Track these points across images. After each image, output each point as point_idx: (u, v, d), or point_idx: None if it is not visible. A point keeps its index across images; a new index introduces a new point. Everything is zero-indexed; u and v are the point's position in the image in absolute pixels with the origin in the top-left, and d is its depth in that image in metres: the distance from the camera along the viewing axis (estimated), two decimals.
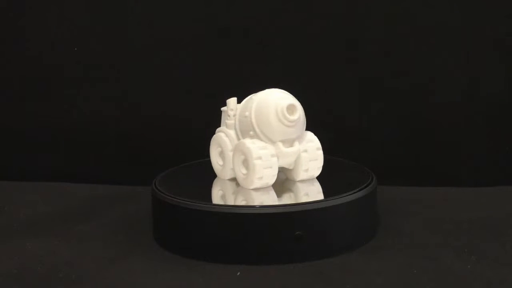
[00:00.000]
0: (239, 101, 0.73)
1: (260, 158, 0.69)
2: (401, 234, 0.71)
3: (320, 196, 0.69)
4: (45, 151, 0.94)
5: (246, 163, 0.70)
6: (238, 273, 0.63)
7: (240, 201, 0.69)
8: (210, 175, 0.75)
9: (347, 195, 0.67)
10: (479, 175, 0.87)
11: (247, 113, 0.70)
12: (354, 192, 0.68)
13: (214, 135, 0.74)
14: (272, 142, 0.69)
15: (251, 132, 0.70)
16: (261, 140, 0.69)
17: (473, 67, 0.87)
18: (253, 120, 0.69)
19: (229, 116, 0.72)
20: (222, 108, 0.75)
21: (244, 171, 0.70)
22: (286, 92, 0.71)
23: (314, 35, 0.88)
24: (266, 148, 0.69)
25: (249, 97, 0.72)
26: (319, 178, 0.74)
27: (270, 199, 0.69)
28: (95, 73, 0.92)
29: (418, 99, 0.88)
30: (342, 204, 0.67)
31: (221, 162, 0.74)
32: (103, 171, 0.93)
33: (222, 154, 0.74)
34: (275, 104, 0.68)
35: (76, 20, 0.91)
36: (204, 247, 0.66)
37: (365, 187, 0.70)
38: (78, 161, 0.93)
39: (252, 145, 0.69)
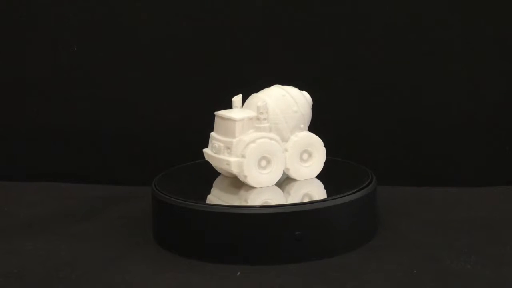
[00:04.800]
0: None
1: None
2: (401, 234, 0.71)
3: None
4: (45, 151, 0.94)
5: (308, 154, 0.73)
6: (238, 273, 0.63)
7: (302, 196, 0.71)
8: (209, 175, 0.75)
9: (347, 195, 0.67)
10: (479, 175, 0.87)
11: (295, 108, 0.72)
12: (354, 192, 0.68)
13: (252, 146, 0.70)
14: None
15: (302, 125, 0.73)
16: (307, 130, 0.74)
17: (473, 67, 0.87)
18: (304, 114, 0.73)
19: (265, 119, 0.71)
20: (249, 115, 0.71)
21: (305, 164, 0.73)
22: None
23: (314, 36, 0.88)
24: None
25: (270, 94, 0.73)
26: (319, 178, 0.74)
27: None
28: (95, 73, 0.92)
29: (418, 99, 0.88)
30: (342, 204, 0.67)
31: (266, 170, 0.71)
32: (103, 171, 0.93)
33: (265, 160, 0.71)
34: (307, 96, 0.74)
35: (77, 20, 0.91)
36: (204, 247, 0.66)
37: (365, 187, 0.70)
38: (78, 161, 0.93)
39: (314, 134, 0.74)
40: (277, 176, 0.72)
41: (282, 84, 0.75)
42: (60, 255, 0.68)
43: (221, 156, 0.71)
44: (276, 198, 0.69)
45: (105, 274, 0.64)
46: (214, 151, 0.72)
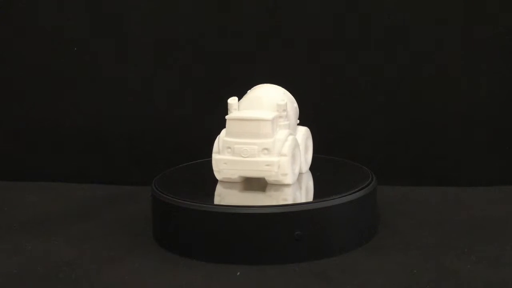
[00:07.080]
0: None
1: None
2: (401, 234, 0.71)
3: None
4: (45, 151, 0.94)
5: (306, 147, 0.76)
6: (238, 273, 0.63)
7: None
8: (209, 175, 0.75)
9: (347, 195, 0.67)
10: (479, 175, 0.87)
11: (295, 104, 0.75)
12: (354, 192, 0.68)
13: (288, 144, 0.70)
14: None
15: (298, 121, 0.76)
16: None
17: (473, 67, 0.87)
18: (298, 109, 0.76)
19: (286, 117, 0.71)
20: (275, 114, 0.71)
21: (306, 156, 0.76)
22: None
23: (314, 35, 0.88)
24: None
25: (276, 93, 0.74)
26: (320, 177, 0.74)
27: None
28: (95, 73, 0.92)
29: (418, 99, 0.88)
30: (342, 204, 0.67)
31: (294, 166, 0.72)
32: (103, 171, 0.93)
33: (293, 157, 0.71)
34: None
35: (77, 20, 0.91)
36: (204, 247, 0.66)
37: (365, 187, 0.70)
38: (78, 161, 0.93)
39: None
40: (299, 172, 0.74)
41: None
42: (60, 255, 0.68)
43: (258, 159, 0.70)
44: (300, 195, 0.70)
45: (105, 274, 0.64)
46: (243, 155, 0.70)
